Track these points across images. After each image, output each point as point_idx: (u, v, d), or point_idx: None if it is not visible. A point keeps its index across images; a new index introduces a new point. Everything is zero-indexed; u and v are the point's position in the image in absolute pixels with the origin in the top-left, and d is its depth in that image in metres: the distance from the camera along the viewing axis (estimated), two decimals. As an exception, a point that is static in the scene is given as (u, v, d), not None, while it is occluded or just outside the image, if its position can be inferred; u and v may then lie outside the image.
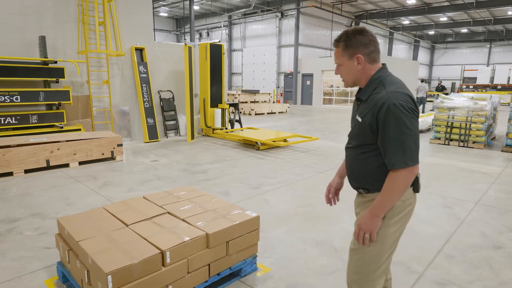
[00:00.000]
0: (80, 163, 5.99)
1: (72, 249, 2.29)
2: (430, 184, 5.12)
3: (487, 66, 29.61)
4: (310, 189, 4.81)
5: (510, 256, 3.00)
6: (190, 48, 8.15)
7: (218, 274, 2.44)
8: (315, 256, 2.99)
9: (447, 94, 16.40)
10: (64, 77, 6.70)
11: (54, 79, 6.58)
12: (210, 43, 8.72)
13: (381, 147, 1.51)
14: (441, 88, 18.56)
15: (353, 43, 1.56)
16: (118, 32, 7.65)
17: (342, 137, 9.40)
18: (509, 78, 21.73)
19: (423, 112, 15.98)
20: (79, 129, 6.94)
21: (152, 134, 8.32)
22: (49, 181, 5.04)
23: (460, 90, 25.34)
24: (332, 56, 22.87)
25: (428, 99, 20.68)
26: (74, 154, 5.83)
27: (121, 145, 6.36)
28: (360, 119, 1.58)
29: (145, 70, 8.32)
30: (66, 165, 5.82)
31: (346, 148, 1.76)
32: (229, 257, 2.48)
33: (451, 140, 8.47)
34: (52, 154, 5.58)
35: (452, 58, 36.45)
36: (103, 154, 6.18)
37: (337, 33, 24.28)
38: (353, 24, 25.31)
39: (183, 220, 2.51)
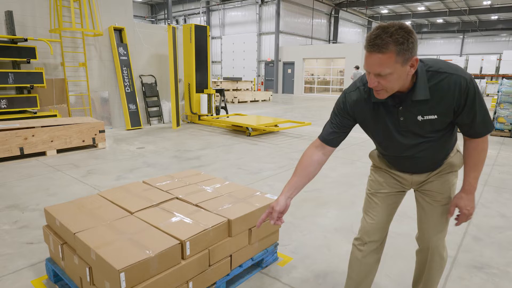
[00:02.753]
0: (58, 151, 5.44)
1: (67, 242, 1.90)
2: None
3: (460, 56, 30.44)
4: (313, 174, 4.54)
5: (537, 236, 2.86)
6: (174, 29, 7.64)
7: (240, 266, 2.12)
8: (338, 242, 2.73)
9: None
10: (35, 58, 6.05)
11: (25, 59, 5.92)
12: (195, 25, 8.23)
13: (464, 123, 1.40)
14: None
15: (410, 45, 1.19)
16: (95, 9, 7.02)
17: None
18: (481, 68, 22.39)
19: None
20: (55, 115, 6.33)
21: (135, 121, 7.79)
22: (24, 170, 4.50)
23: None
24: (313, 45, 22.76)
25: None
26: (51, 141, 5.28)
27: (103, 131, 5.84)
28: (434, 116, 1.37)
29: (125, 52, 7.74)
30: (43, 154, 5.26)
31: (411, 152, 1.50)
32: (251, 246, 2.17)
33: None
34: (26, 141, 5.01)
35: (427, 49, 37.23)
36: (83, 141, 5.65)
37: (317, 21, 24.16)
38: (333, 12, 25.20)
39: (197, 205, 2.16)
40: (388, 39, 1.17)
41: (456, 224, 1.56)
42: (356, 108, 1.48)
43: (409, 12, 27.94)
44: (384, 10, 27.72)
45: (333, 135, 1.55)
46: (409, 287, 2.16)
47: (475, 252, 2.59)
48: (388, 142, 1.51)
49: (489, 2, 23.67)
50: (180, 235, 1.77)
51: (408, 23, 28.95)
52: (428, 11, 27.05)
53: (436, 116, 1.36)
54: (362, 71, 15.24)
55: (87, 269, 1.69)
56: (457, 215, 1.56)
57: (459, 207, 1.53)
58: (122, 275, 1.47)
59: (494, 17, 28.11)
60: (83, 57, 7.14)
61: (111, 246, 1.64)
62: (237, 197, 2.30)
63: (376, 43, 1.18)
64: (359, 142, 6.70)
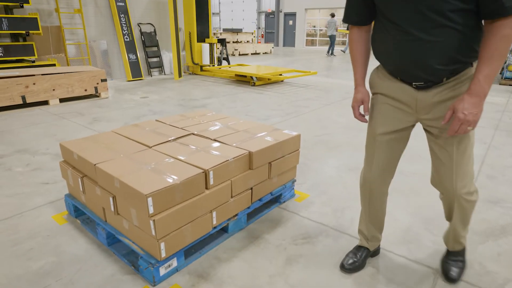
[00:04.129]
0: (61, 100, 5.33)
1: (86, 175, 1.87)
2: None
3: None
4: (322, 120, 4.49)
5: (551, 174, 2.87)
6: (172, -29, 7.15)
7: (260, 200, 2.13)
8: (352, 181, 2.74)
9: None
10: (28, 2, 5.70)
11: (17, 3, 5.59)
12: (195, -33, 7.70)
13: None
14: None
15: None
16: (87, -52, 6.51)
17: (337, 74, 9.01)
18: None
19: (332, 53, 14.62)
20: (54, 65, 6.12)
21: (136, 72, 7.57)
22: (28, 118, 4.42)
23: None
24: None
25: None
26: (53, 90, 5.14)
27: (105, 80, 5.68)
28: None
29: (122, -2, 7.31)
30: (45, 103, 5.15)
31: (421, 26, 1.20)
32: (270, 180, 2.16)
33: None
34: (28, 90, 4.88)
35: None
36: (86, 90, 5.50)
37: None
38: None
39: (215, 140, 2.12)
40: None
41: (448, 133, 1.27)
42: None
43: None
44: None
45: (353, 13, 1.42)
46: (427, 219, 2.19)
47: (490, 189, 2.60)
48: (397, 9, 1.23)
49: None
50: (203, 165, 1.73)
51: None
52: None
53: None
54: (336, 20, 14.36)
55: (111, 199, 1.67)
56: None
57: (454, 109, 1.23)
58: (150, 200, 1.45)
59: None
60: (78, 3, 6.75)
61: (134, 175, 1.62)
62: (255, 133, 2.25)
63: None
64: (366, 91, 6.58)
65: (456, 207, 1.48)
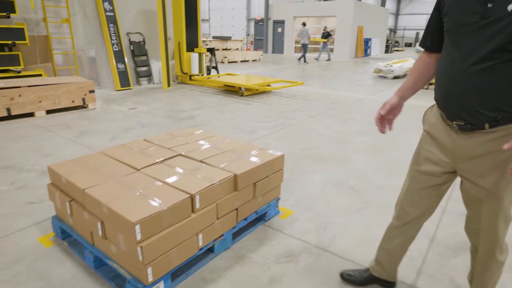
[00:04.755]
0: (48, 112, 5.30)
1: (75, 199, 1.91)
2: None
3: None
4: (307, 132, 4.59)
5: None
6: (161, -18, 7.21)
7: (245, 219, 2.19)
8: (336, 196, 2.83)
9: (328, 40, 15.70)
10: (15, 12, 5.68)
11: (4, 13, 5.56)
12: (183, -22, 7.78)
13: None
14: (326, 35, 16.46)
15: None
16: (75, -41, 6.52)
17: (324, 83, 9.17)
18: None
19: (304, 61, 14.87)
20: (40, 75, 6.09)
21: (124, 81, 7.57)
22: (14, 131, 4.40)
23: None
24: (304, 2, 21.94)
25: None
26: (40, 101, 5.12)
27: (93, 91, 5.68)
28: None
29: (111, 8, 7.33)
30: (31, 115, 5.12)
31: (468, 67, 1.20)
32: (255, 200, 2.23)
33: (430, 84, 8.51)
34: (13, 102, 4.85)
35: (417, 7, 36.43)
36: (73, 101, 5.50)
37: (309, -24, 23.09)
38: (325, -33, 24.07)
39: (202, 161, 2.18)
40: None
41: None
42: None
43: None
44: (378, -35, 26.61)
45: (428, 38, 1.44)
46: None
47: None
48: (459, 36, 1.24)
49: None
50: (189, 189, 1.79)
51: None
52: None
53: None
54: (308, 29, 14.62)
55: (99, 224, 1.72)
56: None
57: None
58: (137, 227, 1.50)
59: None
60: (66, 12, 6.74)
61: (122, 201, 1.66)
62: (240, 153, 2.32)
63: None
64: (351, 101, 6.73)
65: (480, 264, 1.46)
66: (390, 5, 36.22)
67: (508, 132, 1.21)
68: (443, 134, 1.37)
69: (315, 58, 16.86)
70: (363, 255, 2.07)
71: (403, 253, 1.69)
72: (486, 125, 1.22)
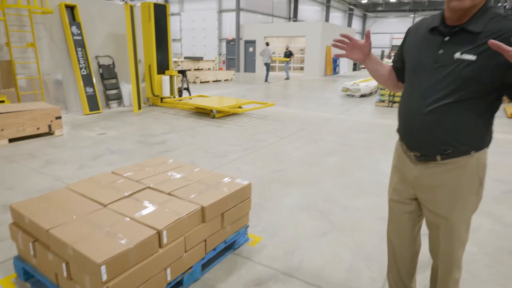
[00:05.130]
0: (11, 140, 5.13)
1: (39, 239, 1.88)
2: (387, 143, 5.34)
3: (413, 34, 31.79)
4: (277, 154, 4.71)
5: None
6: (131, 7, 7.27)
7: (214, 249, 2.23)
8: (303, 220, 2.92)
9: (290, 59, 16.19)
10: (-24, 38, 5.54)
11: (-36, 40, 5.41)
12: (154, 3, 7.88)
13: None
14: (288, 54, 16.65)
15: None
16: (41, -16, 6.48)
17: (295, 103, 9.43)
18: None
19: (266, 80, 15.09)
20: (3, 101, 5.91)
21: (93, 105, 7.46)
22: (-25, 162, 4.23)
23: (389, 57, 27.42)
24: (274, 23, 22.62)
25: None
26: (1, 130, 4.95)
27: (59, 117, 5.57)
28: (473, 57, 1.22)
29: (79, 32, 7.28)
30: (-7, 143, 4.94)
31: (422, 105, 1.35)
32: (223, 229, 2.28)
33: (394, 102, 8.97)
34: (-26, 131, 4.67)
35: (381, 27, 38.44)
36: (38, 128, 5.35)
37: (278, -2, 23.91)
38: (292, -10, 25.07)
39: (170, 194, 2.21)
40: None
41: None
42: (411, 34, 1.49)
43: (366, -9, 28.50)
44: (343, -12, 28.01)
45: (395, 63, 1.62)
46: (366, 256, 2.40)
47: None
48: (416, 76, 1.40)
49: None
50: (156, 225, 1.82)
51: (363, 1, 29.42)
52: (384, -10, 27.73)
53: (475, 58, 1.22)
54: (270, 48, 14.96)
55: (64, 265, 1.70)
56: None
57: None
58: (103, 268, 1.52)
59: (443, -4, 29.50)
60: (31, 37, 6.62)
61: (88, 240, 1.67)
62: (208, 184, 2.38)
63: None
64: (320, 121, 6.96)
65: (439, 280, 1.57)
66: (357, 25, 38.04)
67: (458, 164, 1.36)
68: (405, 165, 1.52)
69: (286, 79, 17.19)
70: (330, 279, 2.16)
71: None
72: (438, 157, 1.38)
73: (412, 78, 1.44)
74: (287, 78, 16.96)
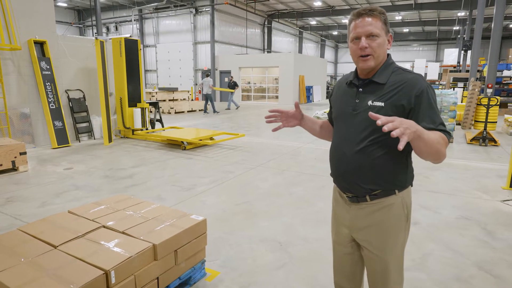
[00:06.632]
0: (-29, 177, 5.00)
1: (-16, 284, 1.87)
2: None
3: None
4: (244, 186, 4.81)
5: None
6: (102, 42, 7.43)
7: (167, 287, 2.26)
8: (262, 253, 2.99)
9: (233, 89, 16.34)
10: None
11: None
12: (125, 38, 8.08)
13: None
14: (233, 85, 16.62)
15: (387, 20, 1.46)
16: (11, 21, 6.56)
17: (266, 133, 9.65)
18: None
19: (205, 111, 15.03)
20: (-35, 137, 5.78)
21: (62, 139, 7.39)
22: None
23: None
24: (248, 54, 23.38)
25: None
26: (-38, 167, 4.83)
27: (24, 153, 5.49)
28: (382, 103, 1.42)
29: (48, 67, 7.32)
30: (-48, 182, 4.80)
31: (348, 149, 1.51)
32: (178, 266, 2.32)
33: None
34: None
35: (349, 57, 40.32)
36: (1, 165, 5.25)
37: (252, 31, 24.89)
38: (266, 23, 26.19)
39: (123, 232, 2.25)
40: (374, 11, 1.42)
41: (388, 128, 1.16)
42: (336, 88, 1.68)
43: (335, 24, 30.15)
44: (313, 22, 29.51)
45: (329, 115, 1.80)
46: (322, 287, 2.49)
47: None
48: (340, 123, 1.57)
49: (400, 17, 26.58)
50: (104, 265, 1.86)
51: (334, 33, 30.95)
52: (352, 23, 29.34)
53: (383, 104, 1.41)
54: (211, 79, 15.15)
55: (8, 310, 1.70)
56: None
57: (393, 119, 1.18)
58: (44, 312, 1.54)
59: (405, 29, 31.57)
60: (-2, 73, 6.61)
61: (32, 285, 1.69)
62: (163, 221, 2.44)
63: (366, 10, 1.42)
64: (289, 151, 7.16)
65: None
66: (329, 55, 39.76)
67: (385, 204, 1.49)
68: (340, 206, 1.64)
69: (236, 108, 17.30)
70: (280, 312, 2.22)
71: None
72: (367, 197, 1.50)
73: (338, 125, 1.62)
74: (228, 109, 16.96)
